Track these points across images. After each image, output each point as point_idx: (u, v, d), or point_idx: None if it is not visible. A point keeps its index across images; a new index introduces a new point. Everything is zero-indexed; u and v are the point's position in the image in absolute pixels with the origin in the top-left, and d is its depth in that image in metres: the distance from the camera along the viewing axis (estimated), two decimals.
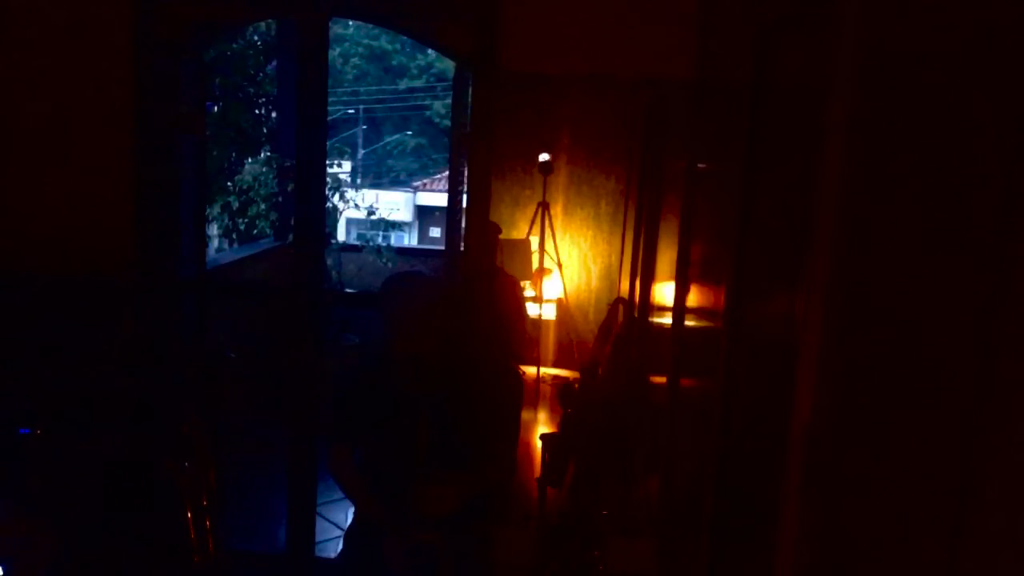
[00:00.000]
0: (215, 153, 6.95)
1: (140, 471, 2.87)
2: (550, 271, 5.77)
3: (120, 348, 3.09)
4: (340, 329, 6.06)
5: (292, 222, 3.76)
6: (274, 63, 7.52)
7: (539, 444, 3.09)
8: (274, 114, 7.67)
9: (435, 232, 20.04)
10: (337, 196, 9.00)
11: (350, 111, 21.99)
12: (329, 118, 4.43)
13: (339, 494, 3.51)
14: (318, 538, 3.37)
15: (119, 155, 3.09)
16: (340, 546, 2.63)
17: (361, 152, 22.20)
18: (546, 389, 5.39)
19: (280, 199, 7.10)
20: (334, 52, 20.64)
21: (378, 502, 2.42)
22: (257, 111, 7.84)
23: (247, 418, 4.20)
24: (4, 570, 2.49)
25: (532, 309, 5.65)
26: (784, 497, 1.76)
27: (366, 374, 2.52)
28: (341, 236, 12.15)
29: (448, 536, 2.36)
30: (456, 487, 2.34)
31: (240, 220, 7.35)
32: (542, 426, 4.82)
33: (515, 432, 2.69)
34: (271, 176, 7.27)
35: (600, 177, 5.99)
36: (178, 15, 3.10)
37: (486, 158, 3.12)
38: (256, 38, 7.59)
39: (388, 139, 23.01)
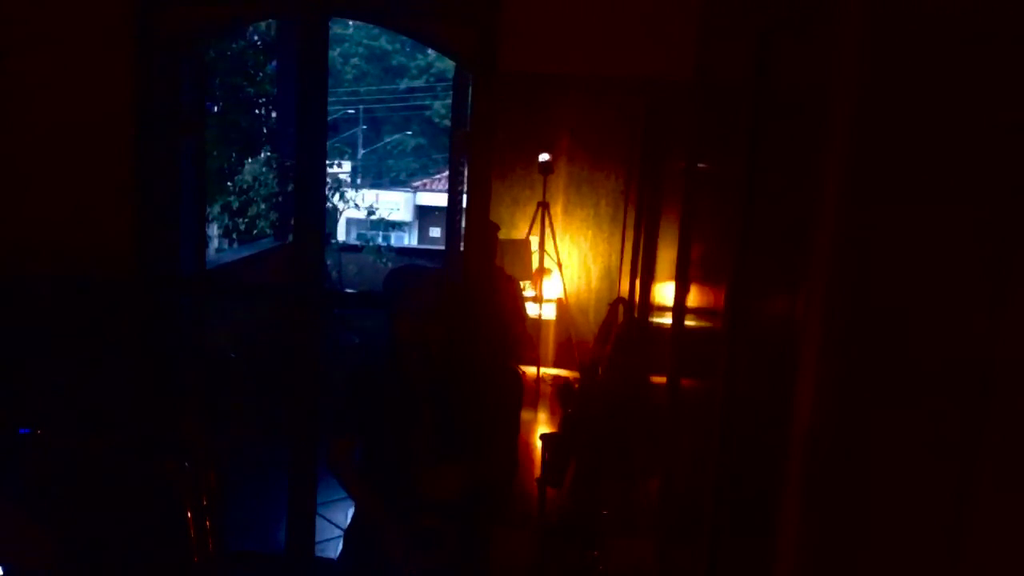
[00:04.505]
0: (215, 153, 6.95)
1: (140, 471, 2.87)
2: (550, 271, 5.76)
3: (120, 348, 3.09)
4: (340, 329, 6.07)
5: (292, 222, 3.76)
6: (274, 63, 7.52)
7: (539, 444, 3.09)
8: (274, 114, 7.67)
9: (435, 232, 20.04)
10: (337, 196, 9.02)
11: (350, 111, 21.99)
12: (329, 118, 4.43)
13: (339, 494, 3.51)
14: (318, 538, 3.37)
15: (119, 155, 3.09)
16: (340, 546, 2.63)
17: (361, 152, 22.20)
18: (546, 389, 5.39)
19: (280, 199, 7.10)
20: (334, 52, 20.63)
21: (379, 496, 2.42)
22: (257, 111, 7.84)
23: (247, 418, 4.20)
24: (4, 570, 2.49)
25: (532, 309, 5.65)
26: (784, 497, 1.76)
27: (370, 367, 2.53)
28: (341, 236, 12.16)
29: (450, 522, 2.37)
30: (459, 470, 2.35)
31: (240, 220, 7.36)
32: (542, 426, 4.82)
33: (515, 432, 2.69)
34: (271, 176, 7.27)
35: (600, 177, 5.98)
36: (178, 15, 3.10)
37: (486, 158, 3.12)
38: (256, 38, 7.59)
39: (388, 139, 23.01)
